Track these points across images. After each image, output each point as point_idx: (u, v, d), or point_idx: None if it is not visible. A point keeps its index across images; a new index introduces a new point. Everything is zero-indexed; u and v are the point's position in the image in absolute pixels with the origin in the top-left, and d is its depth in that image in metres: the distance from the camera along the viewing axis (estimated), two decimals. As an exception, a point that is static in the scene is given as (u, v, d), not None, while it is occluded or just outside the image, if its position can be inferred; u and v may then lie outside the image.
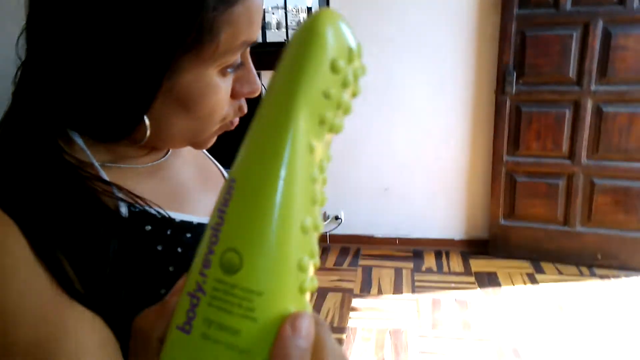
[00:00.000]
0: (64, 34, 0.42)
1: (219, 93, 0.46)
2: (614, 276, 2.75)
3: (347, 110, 0.27)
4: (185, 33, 0.41)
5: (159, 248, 0.46)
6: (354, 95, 0.28)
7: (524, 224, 2.92)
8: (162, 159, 0.54)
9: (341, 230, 3.21)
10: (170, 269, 0.46)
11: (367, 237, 3.21)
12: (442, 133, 2.97)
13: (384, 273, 2.90)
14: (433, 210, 3.12)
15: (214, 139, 0.52)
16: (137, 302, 0.42)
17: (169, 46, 0.41)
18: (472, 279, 2.81)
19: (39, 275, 0.38)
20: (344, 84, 0.27)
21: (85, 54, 0.42)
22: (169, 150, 0.55)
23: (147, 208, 0.46)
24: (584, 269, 2.84)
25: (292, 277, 0.24)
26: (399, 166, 3.08)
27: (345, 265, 3.02)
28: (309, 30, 0.26)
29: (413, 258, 3.07)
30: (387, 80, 2.93)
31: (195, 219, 0.51)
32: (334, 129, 0.27)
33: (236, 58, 0.45)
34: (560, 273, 2.81)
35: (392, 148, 3.05)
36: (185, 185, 0.55)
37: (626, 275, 2.75)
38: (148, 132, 0.45)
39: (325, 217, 3.21)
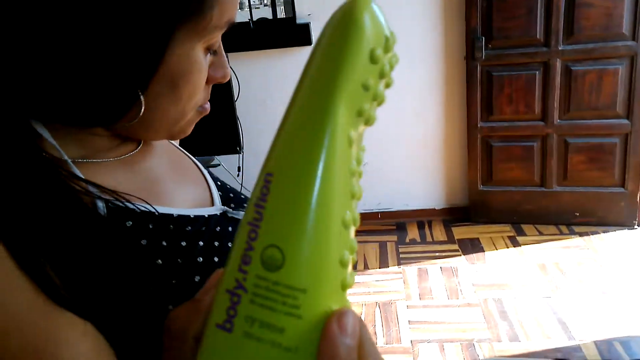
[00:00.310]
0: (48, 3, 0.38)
1: (202, 71, 0.45)
2: (593, 232, 2.81)
3: (382, 102, 0.27)
4: (188, 0, 0.40)
5: (143, 242, 0.45)
6: (388, 86, 0.27)
7: (502, 188, 2.96)
8: (134, 151, 0.52)
9: (323, 210, 3.20)
10: (159, 262, 0.45)
11: (349, 214, 3.21)
12: (416, 104, 2.97)
13: (368, 248, 2.91)
14: (413, 181, 3.14)
15: (191, 129, 0.51)
16: (128, 300, 0.41)
17: (173, 14, 0.40)
18: (456, 246, 2.84)
19: (23, 284, 0.36)
20: (381, 75, 0.26)
21: (76, 23, 0.39)
22: (140, 143, 0.53)
23: (126, 203, 0.44)
24: (563, 228, 2.89)
25: (334, 273, 0.24)
26: (375, 141, 3.07)
27: (329, 244, 3.02)
28: (347, 18, 0.25)
29: (396, 231, 3.09)
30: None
31: (174, 210, 0.49)
32: (370, 121, 0.26)
33: (218, 38, 0.45)
34: (541, 233, 2.86)
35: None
36: (161, 177, 0.53)
37: (604, 231, 2.81)
38: (142, 110, 0.43)
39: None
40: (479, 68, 2.76)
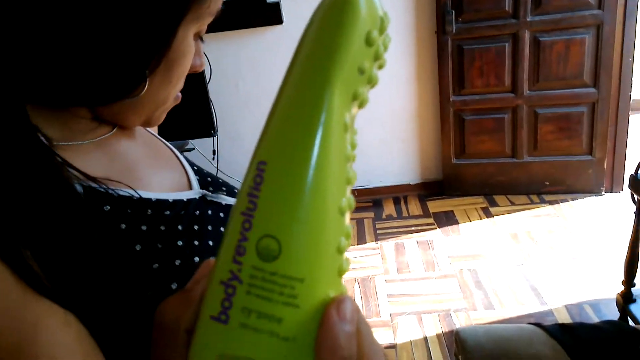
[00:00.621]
0: None
1: (191, 56, 0.47)
2: (562, 200, 2.89)
3: (375, 84, 0.26)
4: None
5: (123, 227, 0.44)
6: (381, 67, 0.27)
7: (475, 160, 3.00)
8: (109, 134, 0.51)
9: (299, 189, 3.21)
10: (137, 247, 0.44)
11: (326, 192, 3.23)
12: (388, 80, 2.97)
13: (346, 225, 2.94)
14: (387, 158, 3.16)
15: (164, 116, 0.52)
16: (109, 286, 0.40)
17: None
18: (431, 220, 2.89)
19: (2, 274, 0.35)
20: (376, 57, 0.25)
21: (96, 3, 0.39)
22: (114, 127, 0.52)
23: (106, 188, 0.44)
24: (534, 197, 2.97)
25: (331, 261, 0.23)
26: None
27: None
28: None
29: (373, 207, 3.12)
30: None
31: (153, 195, 0.49)
32: (363, 104, 0.26)
33: (205, 27, 0.47)
34: (512, 204, 2.93)
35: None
36: (137, 161, 0.53)
37: (573, 199, 2.89)
38: (145, 89, 0.44)
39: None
40: (449, 42, 2.77)
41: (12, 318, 0.35)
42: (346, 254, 0.25)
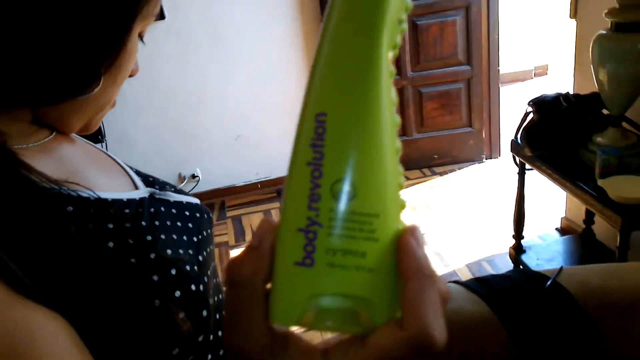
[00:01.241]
0: None
1: (135, 56, 0.47)
2: (450, 171, 3.14)
3: (404, 33, 0.27)
4: None
5: (91, 226, 0.44)
6: (408, 11, 0.28)
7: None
8: (49, 137, 0.50)
9: (202, 188, 3.13)
10: (110, 244, 0.44)
11: (229, 188, 3.19)
12: (281, 68, 2.99)
13: (254, 219, 2.94)
14: (288, 147, 3.18)
15: (100, 122, 0.53)
16: (87, 284, 0.40)
17: None
18: (336, 202, 2.99)
19: None
20: (407, 8, 0.27)
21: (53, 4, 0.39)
22: (52, 131, 0.52)
23: (65, 189, 0.44)
24: (426, 170, 3.19)
25: (397, 196, 0.26)
26: (245, 111, 3.05)
27: (214, 221, 2.98)
28: None
29: (278, 197, 3.15)
30: (214, 28, 2.83)
31: (107, 195, 0.49)
32: (396, 53, 0.27)
33: (146, 28, 0.48)
34: (408, 179, 3.12)
35: (234, 94, 3.00)
36: (80, 164, 0.53)
37: (459, 168, 3.15)
38: (99, 86, 0.44)
39: (182, 178, 3.10)
40: (335, 29, 2.85)
41: (2, 320, 0.34)
42: None
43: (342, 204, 0.24)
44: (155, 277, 0.45)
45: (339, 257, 0.24)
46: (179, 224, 0.55)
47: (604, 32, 1.40)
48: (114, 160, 0.60)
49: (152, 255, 0.46)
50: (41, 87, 0.42)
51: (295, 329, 0.27)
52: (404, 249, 0.25)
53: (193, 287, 0.49)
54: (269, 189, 3.22)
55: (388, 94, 0.25)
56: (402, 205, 0.26)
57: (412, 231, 0.25)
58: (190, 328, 0.47)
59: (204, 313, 0.49)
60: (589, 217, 1.97)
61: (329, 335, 0.26)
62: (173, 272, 0.47)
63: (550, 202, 2.45)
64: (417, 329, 0.23)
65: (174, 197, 0.58)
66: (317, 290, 0.24)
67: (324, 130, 0.25)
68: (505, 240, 2.25)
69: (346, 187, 0.24)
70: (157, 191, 0.57)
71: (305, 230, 0.25)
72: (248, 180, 3.20)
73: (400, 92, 3.03)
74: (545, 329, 1.09)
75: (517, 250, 1.96)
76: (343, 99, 0.25)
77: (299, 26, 2.92)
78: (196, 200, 0.61)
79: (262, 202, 3.10)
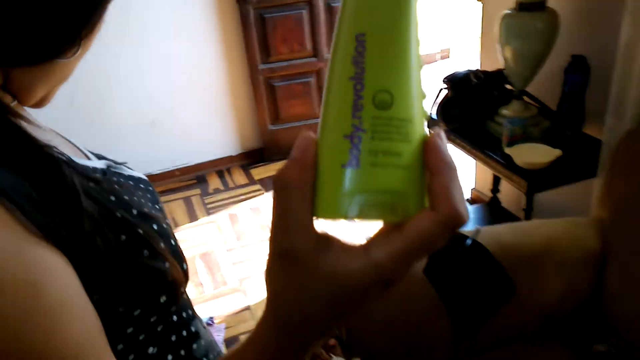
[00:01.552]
0: None
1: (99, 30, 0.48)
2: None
3: None
4: None
5: (77, 181, 0.45)
6: None
7: (288, 125, 3.16)
8: (13, 104, 0.50)
9: (115, 177, 2.99)
10: (95, 199, 0.46)
11: (146, 176, 3.07)
12: (195, 54, 2.92)
13: (174, 206, 2.86)
14: (205, 132, 3.13)
15: (52, 98, 0.53)
16: (81, 233, 0.42)
17: None
18: (258, 186, 2.99)
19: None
20: None
21: None
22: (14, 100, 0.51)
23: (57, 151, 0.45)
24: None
25: (423, 105, 0.30)
26: (159, 97, 2.95)
27: (131, 211, 2.87)
28: None
29: (198, 184, 3.09)
30: (125, 13, 2.68)
31: (77, 160, 0.51)
32: None
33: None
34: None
35: (147, 80, 2.88)
36: (42, 133, 0.52)
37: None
38: (79, 51, 0.46)
39: (93, 168, 2.94)
40: (252, 12, 2.83)
41: (19, 252, 0.36)
42: None
43: (382, 111, 0.28)
44: (140, 231, 0.48)
45: (380, 157, 0.28)
46: (140, 193, 0.58)
47: (509, 11, 1.52)
48: (58, 133, 0.60)
49: (135, 212, 0.50)
50: (25, 46, 0.42)
51: (339, 224, 0.29)
52: (433, 148, 0.29)
53: (172, 242, 0.53)
54: (187, 176, 3.14)
55: (416, 16, 0.29)
56: (425, 115, 0.31)
57: (437, 134, 0.29)
58: (174, 276, 0.50)
59: (184, 266, 0.54)
60: (495, 187, 2.13)
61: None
62: (155, 227, 0.51)
63: (461, 176, 2.62)
64: (449, 210, 0.27)
65: (127, 171, 0.61)
66: (363, 188, 0.28)
67: (364, 48, 0.28)
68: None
69: (385, 97, 0.28)
70: (112, 164, 0.59)
71: (350, 136, 0.28)
72: (165, 168, 3.10)
73: (317, 75, 3.07)
74: (468, 283, 1.19)
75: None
76: (380, 21, 0.29)
77: (215, 7, 2.86)
78: (144, 177, 0.64)
79: (181, 189, 3.02)
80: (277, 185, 0.29)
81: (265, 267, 0.31)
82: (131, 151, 2.97)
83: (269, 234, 0.31)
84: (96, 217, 0.44)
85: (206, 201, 2.89)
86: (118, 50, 2.74)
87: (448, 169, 0.28)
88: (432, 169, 0.28)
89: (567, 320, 1.24)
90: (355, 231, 2.39)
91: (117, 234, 0.46)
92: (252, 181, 3.05)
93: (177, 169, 3.13)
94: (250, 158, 3.26)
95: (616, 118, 1.35)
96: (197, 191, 3.01)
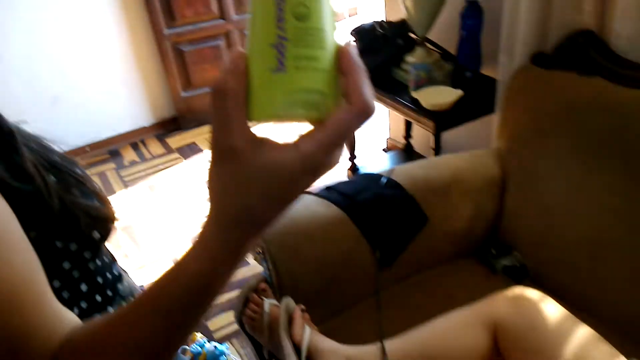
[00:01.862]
0: None
1: None
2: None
3: None
4: None
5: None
6: None
7: (201, 90, 3.10)
8: None
9: (19, 158, 2.80)
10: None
11: (53, 155, 2.91)
12: (95, 23, 2.75)
13: (88, 182, 2.74)
14: (114, 105, 2.99)
15: None
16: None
17: None
18: (177, 155, 2.93)
19: None
20: None
21: None
22: None
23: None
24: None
25: (334, 18, 0.34)
26: (61, 71, 2.76)
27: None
28: None
29: (112, 158, 2.97)
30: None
31: None
32: None
33: None
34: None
35: (46, 53, 2.69)
36: None
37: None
38: None
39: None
40: (150, -27, 2.71)
41: None
42: None
43: (301, 22, 0.32)
44: (70, 172, 0.52)
45: (303, 61, 0.32)
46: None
47: (407, -39, 1.59)
48: None
49: (58, 157, 0.53)
50: None
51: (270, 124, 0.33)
52: (346, 53, 0.33)
53: (95, 184, 0.57)
54: (99, 151, 3.01)
55: None
56: (335, 26, 0.35)
57: (347, 43, 0.34)
58: (106, 212, 0.54)
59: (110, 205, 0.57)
60: (408, 133, 2.25)
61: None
62: (79, 171, 0.55)
63: (376, 128, 2.72)
64: (361, 102, 0.32)
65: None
66: (291, 88, 0.32)
67: None
68: (343, 167, 2.46)
69: (303, 10, 0.32)
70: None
71: (276, 45, 0.32)
72: (74, 145, 2.94)
73: (227, 37, 3.02)
74: (385, 217, 1.28)
75: (353, 170, 2.18)
76: None
77: (109, -30, 2.70)
78: None
79: (94, 165, 2.89)
80: (215, 95, 0.32)
81: (207, 176, 0.36)
82: (35, 131, 2.78)
83: (189, 196, 0.35)
84: (32, 159, 0.45)
85: (122, 174, 2.80)
86: (10, 21, 2.53)
87: (359, 69, 0.33)
88: (345, 71, 0.33)
89: (477, 240, 1.38)
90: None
91: (50, 175, 0.48)
92: (169, 150, 2.98)
93: (87, 145, 2.98)
94: (165, 128, 3.17)
95: (508, 56, 1.47)
96: (112, 165, 2.90)
